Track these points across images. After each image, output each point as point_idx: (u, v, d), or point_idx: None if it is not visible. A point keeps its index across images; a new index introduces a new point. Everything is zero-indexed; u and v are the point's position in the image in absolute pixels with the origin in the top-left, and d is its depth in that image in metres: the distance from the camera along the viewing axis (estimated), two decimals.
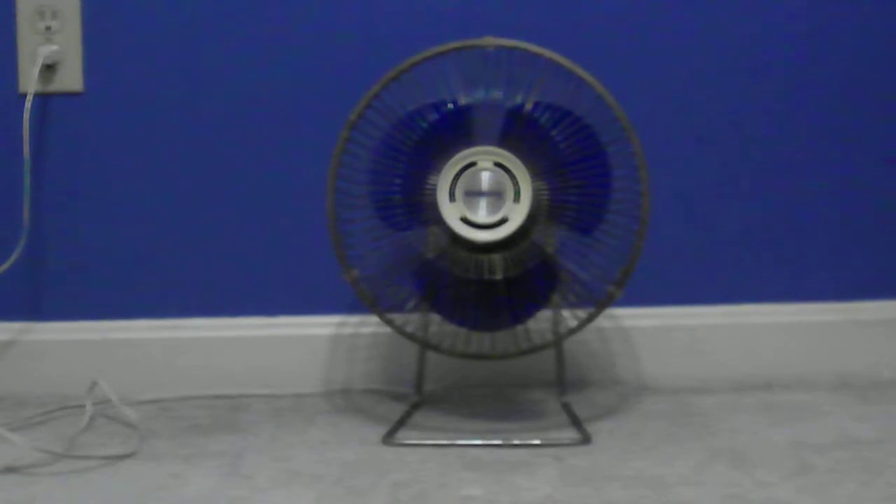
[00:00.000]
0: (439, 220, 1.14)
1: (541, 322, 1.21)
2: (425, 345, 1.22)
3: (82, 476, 1.06)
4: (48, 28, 1.33)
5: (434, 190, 1.13)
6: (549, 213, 1.15)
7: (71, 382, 1.31)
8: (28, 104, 1.32)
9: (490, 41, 1.14)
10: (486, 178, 1.12)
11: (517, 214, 1.12)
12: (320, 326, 1.36)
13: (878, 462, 1.06)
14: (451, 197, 1.13)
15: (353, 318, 1.36)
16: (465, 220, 1.13)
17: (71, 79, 1.34)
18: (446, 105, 1.15)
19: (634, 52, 1.35)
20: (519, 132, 1.14)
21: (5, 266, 1.32)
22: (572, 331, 1.20)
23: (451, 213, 1.13)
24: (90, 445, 1.16)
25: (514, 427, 1.20)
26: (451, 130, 1.15)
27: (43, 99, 1.35)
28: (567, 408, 1.24)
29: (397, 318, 1.20)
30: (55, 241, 1.36)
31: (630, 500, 0.97)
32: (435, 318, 1.21)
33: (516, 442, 1.14)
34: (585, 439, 1.14)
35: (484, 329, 1.20)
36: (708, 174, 1.36)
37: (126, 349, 1.35)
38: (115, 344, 1.35)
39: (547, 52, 1.13)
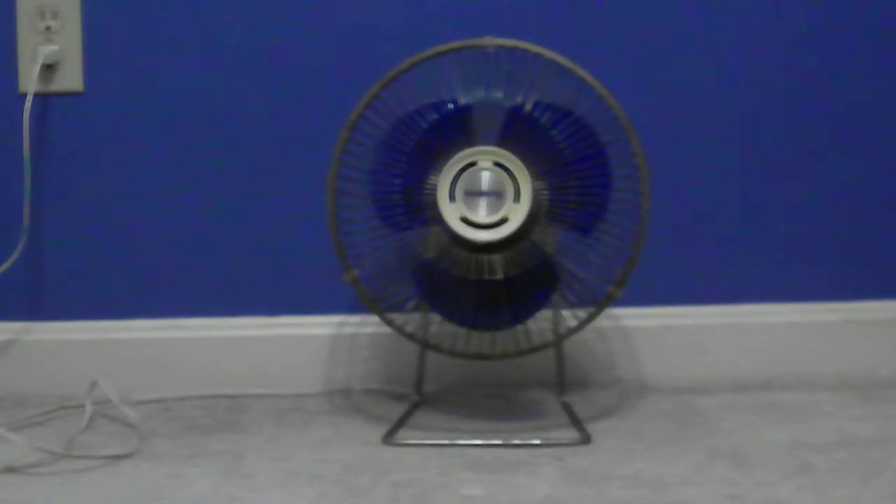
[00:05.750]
0: (439, 220, 1.14)
1: (541, 322, 1.21)
2: (425, 345, 1.22)
3: (82, 476, 1.06)
4: (48, 28, 1.33)
5: (434, 190, 1.13)
6: (549, 213, 1.15)
7: (71, 382, 1.31)
8: (28, 104, 1.32)
9: (490, 41, 1.14)
10: (486, 178, 1.12)
11: (517, 214, 1.12)
12: (320, 326, 1.36)
13: (878, 462, 1.06)
14: (451, 197, 1.13)
15: (353, 318, 1.36)
16: (465, 220, 1.13)
17: (71, 79, 1.34)
18: (446, 105, 1.15)
19: (634, 52, 1.35)
20: (519, 132, 1.14)
21: (5, 266, 1.32)
22: (572, 331, 1.20)
23: (451, 213, 1.13)
24: (90, 445, 1.16)
25: (514, 427, 1.20)
26: (451, 130, 1.14)
27: (43, 99, 1.35)
28: (567, 408, 1.24)
29: (397, 318, 1.20)
30: (55, 241, 1.36)
31: (630, 500, 0.97)
32: (435, 318, 1.21)
33: (516, 442, 1.14)
34: (585, 439, 1.14)
35: (484, 329, 1.20)
36: (708, 174, 1.36)
37: (126, 349, 1.35)
38: (115, 344, 1.35)
39: (547, 52, 1.13)
